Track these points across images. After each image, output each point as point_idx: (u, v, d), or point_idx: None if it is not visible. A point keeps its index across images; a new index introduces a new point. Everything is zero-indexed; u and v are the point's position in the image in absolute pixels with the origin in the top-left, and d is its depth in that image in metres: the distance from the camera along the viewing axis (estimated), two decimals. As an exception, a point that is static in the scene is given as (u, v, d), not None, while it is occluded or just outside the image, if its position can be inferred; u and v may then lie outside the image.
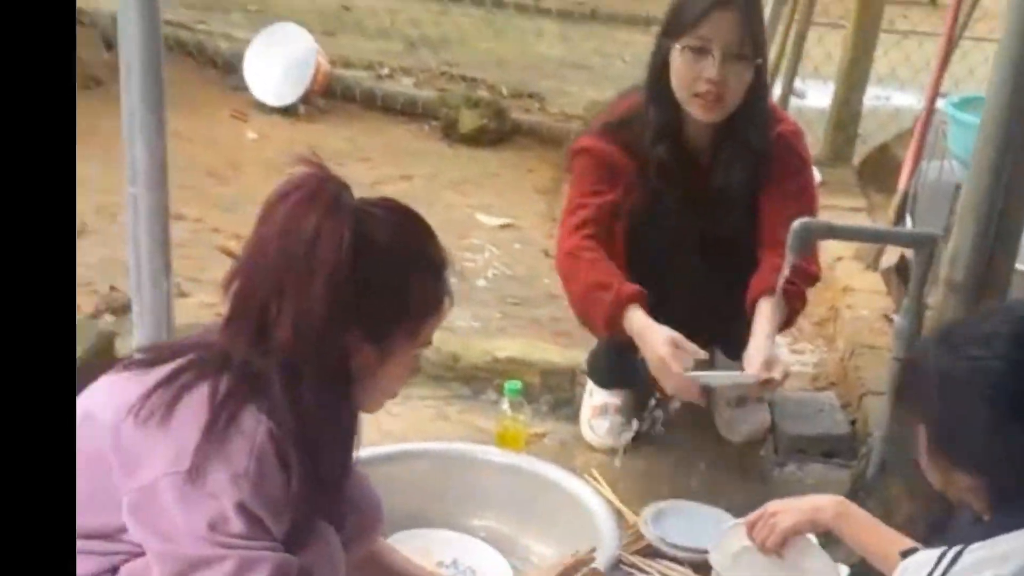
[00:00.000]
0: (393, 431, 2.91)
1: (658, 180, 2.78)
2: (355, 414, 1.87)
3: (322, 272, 1.73)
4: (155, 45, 2.41)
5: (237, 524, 1.67)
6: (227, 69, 5.56)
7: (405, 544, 2.45)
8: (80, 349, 2.87)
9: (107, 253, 3.64)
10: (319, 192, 1.77)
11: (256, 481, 1.69)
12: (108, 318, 3.28)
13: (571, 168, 2.88)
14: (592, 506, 2.57)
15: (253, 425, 1.72)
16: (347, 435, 1.87)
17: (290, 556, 1.73)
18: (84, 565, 1.75)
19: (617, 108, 2.88)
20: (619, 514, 2.69)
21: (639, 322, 2.63)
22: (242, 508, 1.68)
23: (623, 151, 2.79)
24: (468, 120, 5.16)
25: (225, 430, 1.70)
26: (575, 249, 2.72)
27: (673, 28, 2.73)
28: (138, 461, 1.71)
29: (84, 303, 3.40)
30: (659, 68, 2.75)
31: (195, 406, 1.72)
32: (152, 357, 1.83)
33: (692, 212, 2.81)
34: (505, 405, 2.87)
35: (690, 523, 2.67)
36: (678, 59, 2.71)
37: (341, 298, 1.74)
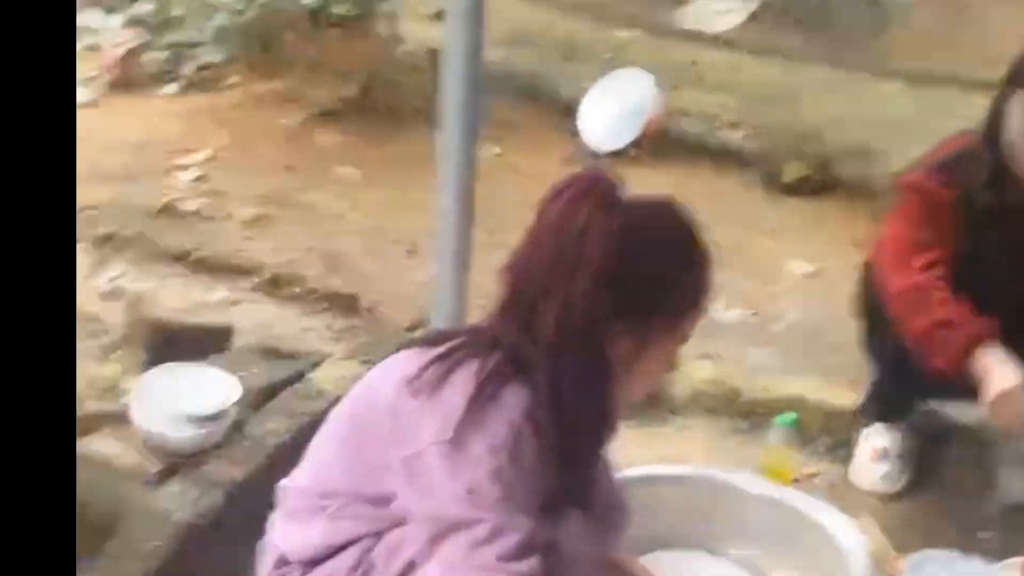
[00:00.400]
0: (666, 456, 3.00)
1: (986, 224, 2.75)
2: (612, 405, 1.91)
3: (589, 267, 1.81)
4: (474, 81, 2.71)
5: (492, 492, 1.75)
6: (567, 113, 5.83)
7: (660, 562, 2.52)
8: (388, 352, 3.14)
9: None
10: (591, 189, 1.85)
11: (512, 454, 1.77)
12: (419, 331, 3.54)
13: (899, 202, 2.88)
14: (850, 547, 2.56)
15: (514, 402, 1.81)
16: (602, 425, 1.92)
17: (539, 528, 1.79)
18: (358, 527, 1.88)
19: (947, 148, 2.85)
20: (880, 559, 2.68)
21: (995, 356, 2.63)
22: (498, 477, 1.76)
23: (949, 192, 2.76)
24: (791, 170, 5.16)
25: (487, 403, 1.79)
26: (925, 286, 2.72)
27: (1018, 76, 2.69)
28: (410, 429, 1.82)
29: (402, 319, 3.70)
30: (997, 113, 2.72)
31: (463, 380, 1.82)
32: (433, 339, 1.98)
33: (1015, 264, 2.76)
34: (775, 437, 2.92)
35: (953, 574, 2.63)
36: (1016, 107, 2.67)
37: (606, 293, 1.81)
